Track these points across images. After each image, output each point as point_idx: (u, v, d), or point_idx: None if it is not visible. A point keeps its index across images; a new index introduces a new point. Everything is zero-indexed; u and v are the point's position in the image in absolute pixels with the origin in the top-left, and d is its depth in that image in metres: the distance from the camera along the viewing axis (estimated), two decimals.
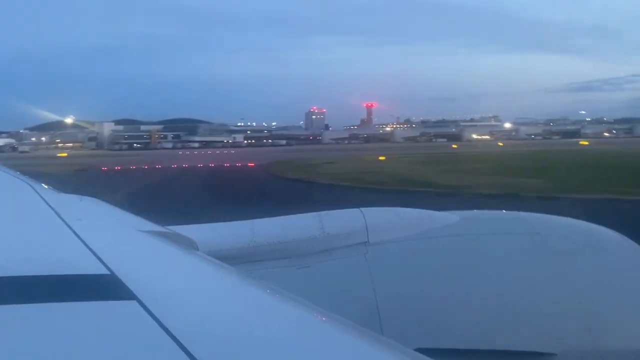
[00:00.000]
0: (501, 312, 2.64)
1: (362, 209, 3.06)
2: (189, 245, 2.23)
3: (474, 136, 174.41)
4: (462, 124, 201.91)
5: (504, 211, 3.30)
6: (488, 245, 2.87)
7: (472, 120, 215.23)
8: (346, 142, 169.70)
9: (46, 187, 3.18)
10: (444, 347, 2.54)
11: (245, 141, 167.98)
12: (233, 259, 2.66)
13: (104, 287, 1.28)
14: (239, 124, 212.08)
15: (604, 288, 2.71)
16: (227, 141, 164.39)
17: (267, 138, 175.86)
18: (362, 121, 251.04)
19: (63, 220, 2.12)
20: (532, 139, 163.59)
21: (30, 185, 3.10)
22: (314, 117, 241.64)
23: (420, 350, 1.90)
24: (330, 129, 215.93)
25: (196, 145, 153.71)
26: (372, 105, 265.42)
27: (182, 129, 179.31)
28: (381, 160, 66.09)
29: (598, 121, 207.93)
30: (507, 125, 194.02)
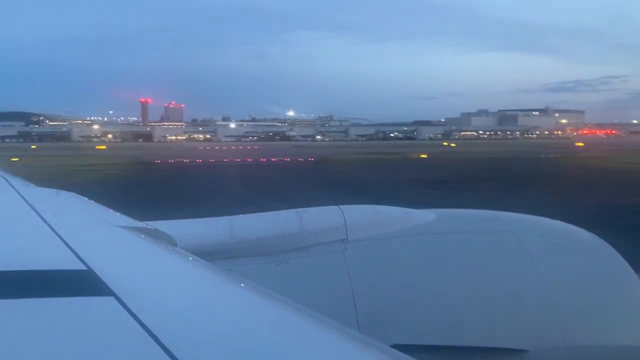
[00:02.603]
0: (476, 309, 2.69)
1: (342, 206, 3.07)
2: (168, 241, 2.23)
3: (170, 137, 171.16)
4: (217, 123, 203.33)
5: (480, 210, 3.34)
6: (464, 243, 2.92)
7: (253, 119, 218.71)
8: None
9: (22, 180, 3.08)
10: (420, 343, 2.57)
11: None
12: (212, 254, 2.64)
13: (81, 283, 1.28)
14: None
15: (575, 286, 2.79)
16: None
17: None
18: (162, 118, 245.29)
19: (39, 214, 2.10)
20: (239, 140, 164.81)
21: (5, 179, 2.98)
22: (170, 111, 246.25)
23: (396, 346, 1.94)
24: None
25: None
26: (147, 101, 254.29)
27: None
28: None
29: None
30: (232, 125, 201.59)
